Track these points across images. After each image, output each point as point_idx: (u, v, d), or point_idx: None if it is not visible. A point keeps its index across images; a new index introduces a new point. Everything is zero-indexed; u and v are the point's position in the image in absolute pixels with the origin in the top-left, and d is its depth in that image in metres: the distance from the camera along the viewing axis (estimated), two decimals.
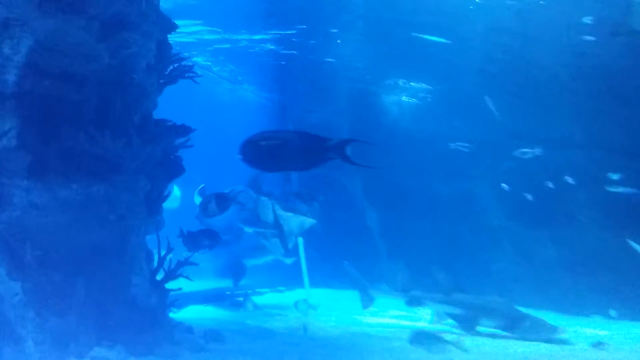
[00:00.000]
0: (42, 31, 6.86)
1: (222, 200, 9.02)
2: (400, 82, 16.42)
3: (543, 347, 9.44)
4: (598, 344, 9.50)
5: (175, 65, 8.79)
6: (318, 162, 6.00)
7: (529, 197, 13.24)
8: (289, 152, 5.86)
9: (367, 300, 11.58)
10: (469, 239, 14.97)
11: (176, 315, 9.24)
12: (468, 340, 9.21)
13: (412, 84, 16.26)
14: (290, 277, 15.36)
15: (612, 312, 12.10)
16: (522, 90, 14.11)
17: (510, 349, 9.24)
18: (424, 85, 16.16)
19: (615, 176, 12.17)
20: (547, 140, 14.10)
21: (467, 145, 13.86)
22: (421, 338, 8.36)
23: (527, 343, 9.61)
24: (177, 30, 8.94)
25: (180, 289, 8.56)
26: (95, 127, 7.39)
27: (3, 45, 6.77)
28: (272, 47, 16.74)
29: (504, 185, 13.66)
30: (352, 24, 14.36)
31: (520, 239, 14.42)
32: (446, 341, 8.31)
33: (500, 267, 14.23)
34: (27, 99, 6.96)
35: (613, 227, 12.60)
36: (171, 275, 8.38)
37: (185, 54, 9.66)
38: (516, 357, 8.83)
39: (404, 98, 16.74)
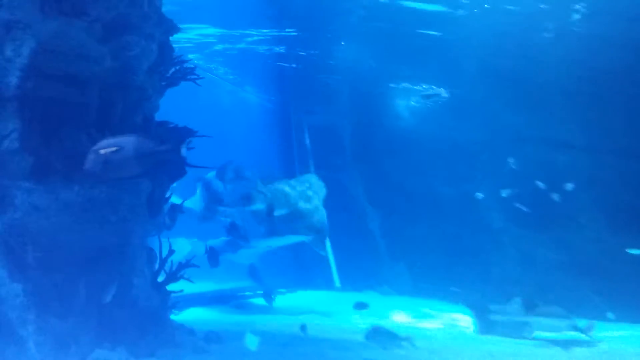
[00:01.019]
0: (44, 33, 6.88)
1: (173, 212, 9.02)
2: (406, 84, 16.42)
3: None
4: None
5: (177, 67, 8.80)
6: (153, 166, 5.81)
7: (524, 208, 13.14)
8: (124, 158, 5.67)
9: (484, 324, 11.26)
10: (471, 241, 14.96)
11: (177, 317, 9.24)
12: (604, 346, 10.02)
13: (422, 86, 16.20)
14: (291, 280, 15.39)
15: (610, 315, 12.09)
16: (524, 92, 14.11)
17: None
18: (433, 87, 16.11)
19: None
20: (549, 141, 14.11)
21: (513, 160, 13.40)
22: (376, 334, 8.74)
23: None
24: (179, 32, 8.96)
25: (181, 291, 8.58)
26: (97, 129, 7.41)
27: (5, 48, 6.80)
28: (273, 47, 16.73)
29: (503, 191, 13.52)
30: (356, 24, 14.33)
31: (521, 242, 14.41)
32: (400, 337, 8.69)
33: (501, 269, 14.22)
34: (29, 101, 6.98)
35: (614, 230, 12.59)
36: (172, 277, 8.40)
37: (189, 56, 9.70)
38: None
39: (412, 102, 16.67)
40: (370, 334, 8.78)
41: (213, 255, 10.19)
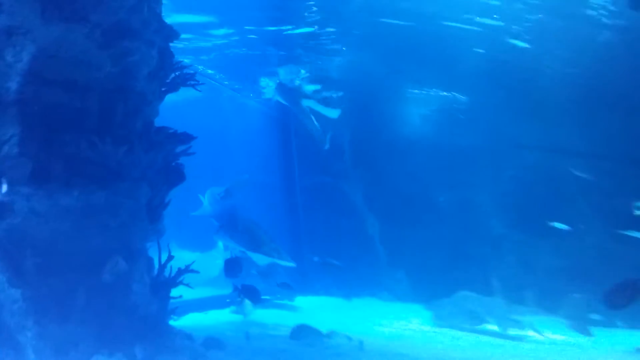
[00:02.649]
0: (44, 39, 6.89)
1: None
2: (406, 90, 16.40)
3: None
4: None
5: (177, 73, 8.81)
6: None
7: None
8: None
9: (438, 319, 11.84)
10: (470, 247, 14.96)
11: (176, 322, 9.22)
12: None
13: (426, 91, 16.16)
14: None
15: (618, 322, 12.08)
16: (524, 99, 14.14)
17: None
18: (441, 93, 16.06)
19: None
20: (548, 148, 14.14)
21: None
22: (301, 332, 9.23)
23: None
24: (179, 37, 8.96)
25: (180, 296, 8.56)
26: (97, 134, 7.41)
27: (6, 53, 6.80)
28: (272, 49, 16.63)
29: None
30: (357, 28, 14.23)
31: (521, 248, 14.41)
32: (323, 334, 9.18)
33: (501, 275, 14.21)
34: (29, 106, 6.98)
35: (614, 236, 12.58)
36: (172, 282, 8.37)
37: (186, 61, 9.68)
38: None
39: (422, 110, 16.59)
40: (295, 332, 9.20)
41: (248, 292, 10.48)
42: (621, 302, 8.62)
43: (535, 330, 11.45)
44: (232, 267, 11.74)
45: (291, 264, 12.22)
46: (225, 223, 12.47)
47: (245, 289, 10.47)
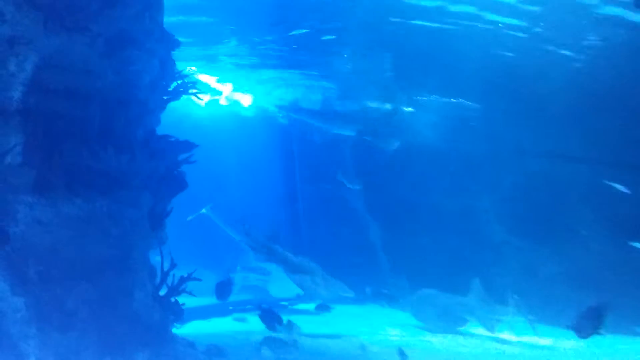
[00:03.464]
0: (47, 49, 6.94)
1: None
2: (409, 96, 16.39)
3: None
4: None
5: (179, 82, 8.87)
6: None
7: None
8: None
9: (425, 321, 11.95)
10: (472, 254, 14.94)
11: (179, 330, 9.22)
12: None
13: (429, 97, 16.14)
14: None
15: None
16: (525, 104, 14.14)
17: None
18: (447, 100, 16.03)
19: None
20: (550, 154, 14.13)
21: None
22: (269, 342, 9.56)
23: None
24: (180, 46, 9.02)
25: (183, 304, 8.58)
26: (99, 143, 7.46)
27: (9, 63, 6.83)
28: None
29: None
30: (360, 35, 14.22)
31: (523, 254, 14.38)
32: (287, 343, 9.57)
33: (503, 282, 14.18)
34: (31, 115, 7.02)
35: (615, 242, 12.57)
36: (174, 290, 8.39)
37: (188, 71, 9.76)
38: None
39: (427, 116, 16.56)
40: (264, 341, 9.49)
41: (268, 316, 10.63)
42: (589, 330, 8.74)
43: (538, 336, 11.41)
44: (222, 289, 11.99)
45: (350, 294, 12.41)
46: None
47: (269, 314, 10.63)
